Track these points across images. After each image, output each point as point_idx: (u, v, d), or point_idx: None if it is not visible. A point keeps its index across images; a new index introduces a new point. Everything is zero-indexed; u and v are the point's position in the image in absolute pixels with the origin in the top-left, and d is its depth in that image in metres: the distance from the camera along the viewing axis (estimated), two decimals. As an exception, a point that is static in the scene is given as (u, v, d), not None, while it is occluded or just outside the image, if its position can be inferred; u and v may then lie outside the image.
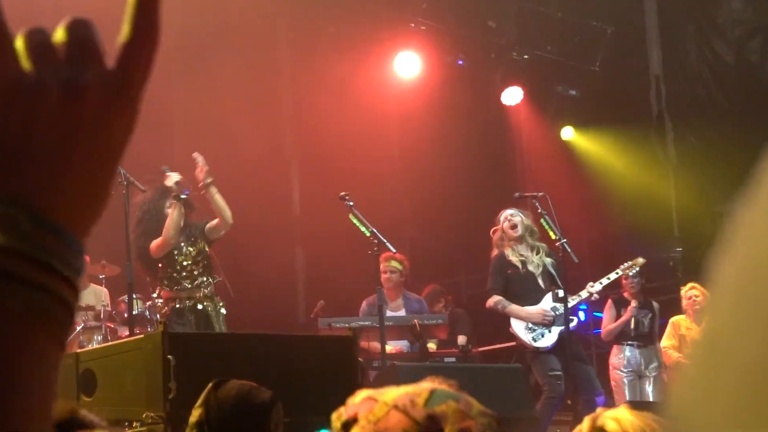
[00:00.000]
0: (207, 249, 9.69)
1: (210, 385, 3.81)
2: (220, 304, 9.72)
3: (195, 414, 3.73)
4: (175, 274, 9.54)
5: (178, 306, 9.46)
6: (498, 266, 10.15)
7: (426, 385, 2.46)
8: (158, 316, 9.73)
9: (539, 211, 9.96)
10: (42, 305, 0.93)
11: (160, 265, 9.52)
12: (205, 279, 9.64)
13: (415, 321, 10.30)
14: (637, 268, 11.31)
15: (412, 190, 15.60)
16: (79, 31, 0.97)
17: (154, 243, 9.37)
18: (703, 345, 0.59)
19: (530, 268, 10.01)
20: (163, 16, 0.95)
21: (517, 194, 10.42)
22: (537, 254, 10.09)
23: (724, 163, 15.02)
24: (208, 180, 9.37)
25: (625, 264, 11.06)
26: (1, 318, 0.91)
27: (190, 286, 9.54)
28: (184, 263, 9.57)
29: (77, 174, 0.95)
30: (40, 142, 0.94)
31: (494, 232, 10.33)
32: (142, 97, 0.98)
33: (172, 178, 9.36)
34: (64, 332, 0.95)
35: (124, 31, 0.97)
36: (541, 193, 10.15)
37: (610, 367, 12.18)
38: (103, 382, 5.27)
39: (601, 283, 10.47)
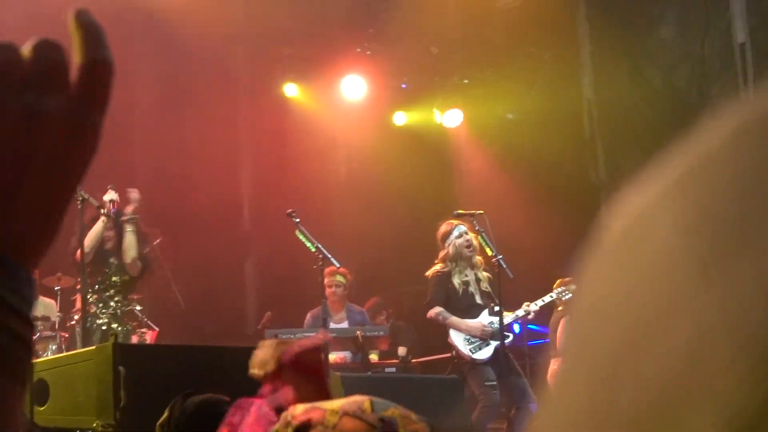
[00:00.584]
0: (130, 277, 9.71)
1: (180, 396, 3.82)
2: (129, 327, 9.70)
3: (161, 418, 3.77)
4: (97, 287, 9.55)
5: (89, 321, 9.42)
6: (439, 279, 10.18)
7: (360, 396, 2.48)
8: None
9: (477, 228, 10.04)
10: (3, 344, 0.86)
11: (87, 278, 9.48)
12: (119, 302, 9.63)
13: (359, 332, 10.36)
14: (570, 294, 11.34)
15: (357, 205, 15.61)
16: (46, 53, 0.89)
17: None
18: (549, 390, 0.60)
19: (470, 288, 10.08)
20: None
21: (456, 212, 10.46)
22: (475, 270, 10.16)
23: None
24: (129, 217, 9.41)
25: (559, 289, 11.11)
26: None
27: (103, 305, 9.55)
28: (107, 282, 9.59)
29: (28, 203, 0.88)
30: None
31: (445, 245, 10.27)
32: (102, 125, 0.91)
33: (109, 194, 9.37)
34: (23, 368, 0.88)
35: (76, 59, 0.90)
36: (479, 211, 10.23)
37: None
38: (56, 391, 5.24)
39: (536, 305, 10.57)
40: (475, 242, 10.13)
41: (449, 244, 10.20)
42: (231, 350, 5.77)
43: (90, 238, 9.35)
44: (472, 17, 15.81)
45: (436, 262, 10.38)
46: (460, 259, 10.10)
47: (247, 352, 6.49)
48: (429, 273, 10.30)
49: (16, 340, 0.86)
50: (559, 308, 12.05)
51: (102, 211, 9.39)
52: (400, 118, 15.48)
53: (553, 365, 12.05)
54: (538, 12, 15.81)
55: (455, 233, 10.18)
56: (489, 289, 10.08)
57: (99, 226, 9.44)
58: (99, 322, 9.52)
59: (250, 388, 5.81)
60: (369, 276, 14.40)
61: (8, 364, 0.86)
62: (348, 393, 7.38)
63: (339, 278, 10.94)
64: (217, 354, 5.91)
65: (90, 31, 0.90)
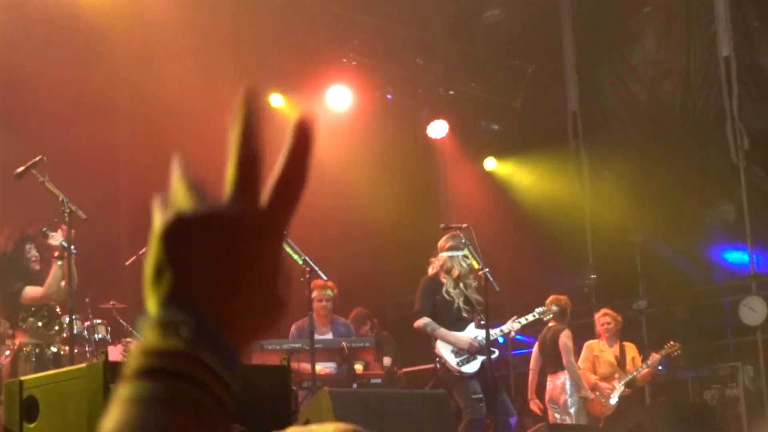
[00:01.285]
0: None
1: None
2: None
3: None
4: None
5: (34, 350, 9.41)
6: (428, 289, 10.16)
7: (341, 425, 2.44)
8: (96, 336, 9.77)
9: (463, 241, 10.03)
10: (208, 405, 1.02)
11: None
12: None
13: (344, 344, 10.37)
14: (551, 315, 11.43)
15: (342, 217, 15.60)
16: (247, 170, 1.13)
17: (33, 291, 9.37)
18: None
19: (459, 301, 10.07)
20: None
21: (442, 225, 10.44)
22: (466, 285, 10.14)
23: (635, 195, 15.25)
24: (57, 256, 9.35)
25: (541, 309, 11.20)
26: (174, 413, 1.00)
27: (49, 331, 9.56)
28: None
29: (235, 291, 1.08)
30: (213, 264, 1.06)
31: (445, 257, 10.25)
32: (288, 227, 1.12)
33: (56, 238, 9.28)
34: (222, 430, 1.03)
35: (277, 169, 1.13)
36: (464, 225, 10.23)
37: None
38: (46, 409, 5.19)
39: (519, 323, 10.61)
40: (465, 266, 10.14)
41: (451, 257, 10.16)
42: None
43: (54, 284, 9.40)
44: (456, 29, 15.85)
45: (431, 268, 10.32)
46: (458, 276, 10.08)
47: (242, 372, 6.49)
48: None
49: (217, 403, 1.03)
50: (550, 324, 12.06)
51: (58, 255, 9.39)
52: (386, 129, 15.47)
53: (552, 381, 12.06)
54: (523, 25, 15.85)
55: (461, 253, 10.14)
56: (476, 301, 10.06)
57: (58, 271, 9.43)
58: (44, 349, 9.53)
59: (238, 407, 5.82)
60: (352, 287, 14.40)
61: (209, 426, 1.02)
62: (336, 408, 7.38)
63: (328, 292, 10.92)
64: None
65: (297, 150, 1.12)
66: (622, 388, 12.22)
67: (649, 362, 12.44)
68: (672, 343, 12.69)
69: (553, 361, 12.07)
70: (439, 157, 16.40)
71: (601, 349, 12.53)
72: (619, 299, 15.62)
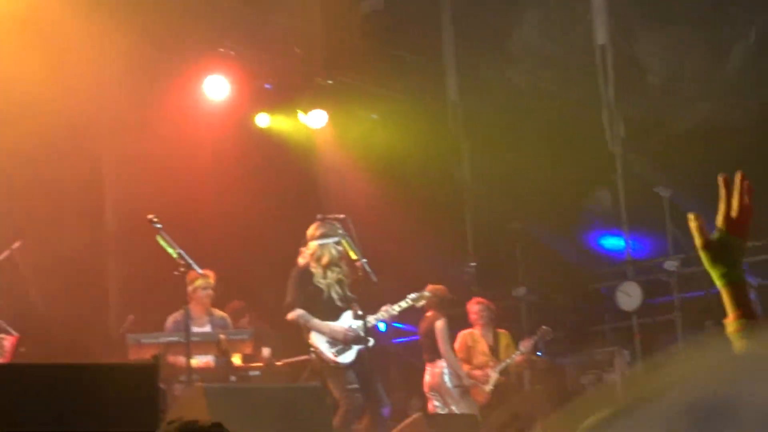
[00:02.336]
0: None
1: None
2: None
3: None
4: None
5: None
6: (299, 280, 10.10)
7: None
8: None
9: (340, 232, 9.98)
10: None
11: None
12: None
13: (222, 336, 10.28)
14: (424, 301, 11.35)
15: (221, 208, 15.47)
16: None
17: None
18: None
19: (332, 290, 10.01)
20: None
21: (319, 216, 10.37)
22: (338, 273, 10.09)
23: (515, 183, 15.36)
24: None
25: (413, 295, 11.06)
26: None
27: None
28: None
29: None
30: None
31: (315, 245, 10.18)
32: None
33: None
34: None
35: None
36: (342, 216, 10.18)
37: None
38: None
39: (394, 310, 10.54)
40: (334, 253, 10.08)
41: (322, 245, 10.08)
42: (82, 368, 5.65)
43: None
44: (335, 19, 15.79)
45: (301, 258, 10.26)
46: (328, 263, 10.02)
47: (102, 370, 6.37)
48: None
49: None
50: (428, 313, 12.09)
51: None
52: (264, 120, 15.37)
53: (431, 370, 12.10)
54: (402, 14, 15.86)
55: (331, 240, 10.06)
56: (349, 292, 10.04)
57: None
58: None
59: (104, 407, 5.71)
60: (230, 278, 14.32)
61: None
62: (210, 404, 7.29)
63: (210, 281, 10.82)
64: (68, 372, 5.77)
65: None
66: (497, 375, 12.29)
67: (521, 348, 12.53)
68: (544, 327, 12.84)
69: (429, 350, 12.10)
70: (319, 147, 16.36)
71: (474, 339, 12.57)
72: (499, 287, 15.76)
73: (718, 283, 2.54)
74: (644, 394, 1.41)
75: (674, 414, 1.37)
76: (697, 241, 2.60)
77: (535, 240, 15.99)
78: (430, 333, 11.99)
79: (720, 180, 2.56)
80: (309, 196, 15.84)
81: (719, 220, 2.55)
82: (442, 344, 11.92)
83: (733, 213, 2.53)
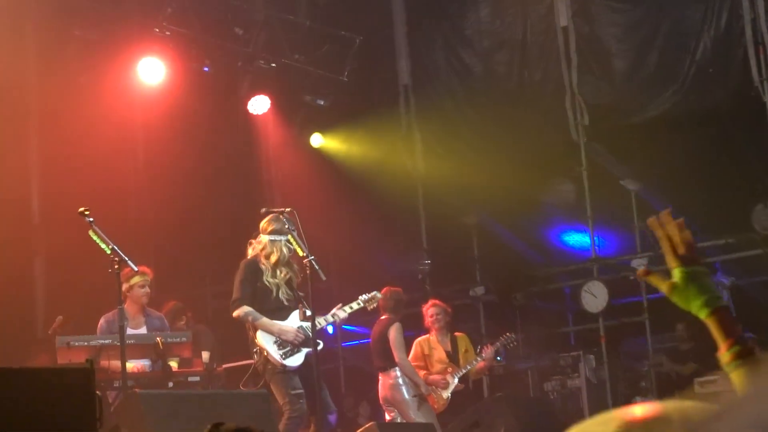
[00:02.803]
0: None
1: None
2: None
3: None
4: None
5: None
6: (248, 274, 10.10)
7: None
8: None
9: (287, 227, 10.07)
10: None
11: None
12: None
13: (159, 339, 10.27)
14: (376, 303, 11.34)
15: (157, 198, 15.48)
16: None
17: None
18: None
19: (281, 289, 10.11)
20: None
21: (263, 210, 10.45)
22: (287, 271, 10.19)
23: (470, 174, 15.40)
24: None
25: (365, 296, 11.02)
26: None
27: None
28: None
29: None
30: None
31: (266, 240, 10.24)
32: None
33: None
34: None
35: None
36: (288, 209, 10.25)
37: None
38: None
39: (344, 311, 10.61)
40: (285, 251, 10.17)
41: (273, 242, 10.15)
42: (13, 372, 5.70)
43: None
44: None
45: (250, 249, 10.31)
46: (277, 262, 10.10)
47: (34, 374, 6.42)
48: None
49: None
50: (383, 317, 12.13)
51: None
52: (203, 104, 15.35)
53: (384, 381, 12.11)
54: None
55: (283, 238, 10.13)
56: (297, 292, 10.14)
57: None
58: None
59: (37, 413, 5.78)
60: (170, 273, 14.33)
61: None
62: (147, 412, 7.35)
63: (147, 278, 10.85)
64: (6, 376, 5.85)
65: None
66: (455, 382, 12.29)
67: (483, 355, 12.51)
68: (508, 334, 12.79)
69: (382, 357, 12.09)
70: (261, 135, 16.41)
71: (431, 346, 12.52)
72: (455, 285, 15.88)
73: (702, 315, 2.66)
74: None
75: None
76: (662, 290, 2.74)
77: (493, 236, 16.10)
78: (383, 339, 12.01)
79: (651, 223, 2.77)
80: (252, 187, 15.92)
81: (669, 260, 2.74)
82: (397, 352, 11.95)
83: (680, 250, 2.71)
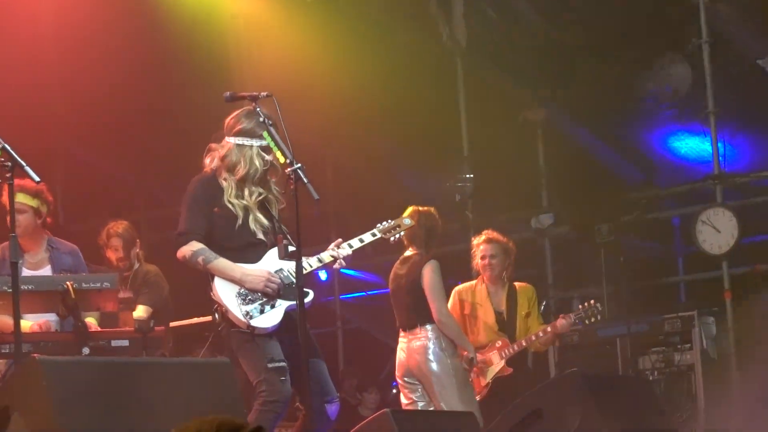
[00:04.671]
0: None
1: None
2: None
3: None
4: None
5: None
6: (201, 196, 9.84)
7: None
8: None
9: (261, 119, 9.82)
10: None
11: None
12: None
13: (69, 284, 10.17)
14: (402, 232, 10.98)
15: (71, 85, 15.49)
16: None
17: None
18: None
19: (251, 216, 9.87)
20: None
21: (227, 94, 10.17)
22: (264, 190, 9.95)
23: (534, 49, 15.43)
24: None
25: (386, 223, 10.72)
26: None
27: None
28: None
29: None
30: None
31: (230, 142, 9.99)
32: None
33: None
34: None
35: None
36: (264, 93, 10.01)
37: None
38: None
39: (350, 246, 10.31)
40: (258, 161, 9.89)
41: (241, 147, 9.88)
42: None
43: None
44: None
45: (207, 160, 10.09)
46: (245, 177, 9.85)
47: None
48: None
49: None
50: (406, 253, 12.01)
51: None
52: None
53: (408, 342, 11.99)
54: None
55: (257, 142, 9.82)
56: (278, 221, 9.92)
57: None
58: None
59: None
60: (92, 192, 14.35)
61: None
62: (52, 387, 7.26)
63: (25, 199, 10.75)
64: None
65: None
66: (501, 363, 12.37)
67: (549, 328, 12.57)
68: (592, 302, 12.75)
69: (411, 310, 12.02)
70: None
71: (477, 301, 12.58)
72: (509, 212, 15.81)
73: None
74: None
75: None
76: None
77: (566, 140, 16.05)
78: (412, 283, 11.94)
79: None
80: (212, 65, 15.77)
81: None
82: (436, 302, 11.86)
83: None
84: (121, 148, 15.72)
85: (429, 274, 11.86)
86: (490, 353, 12.31)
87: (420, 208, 11.93)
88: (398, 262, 12.22)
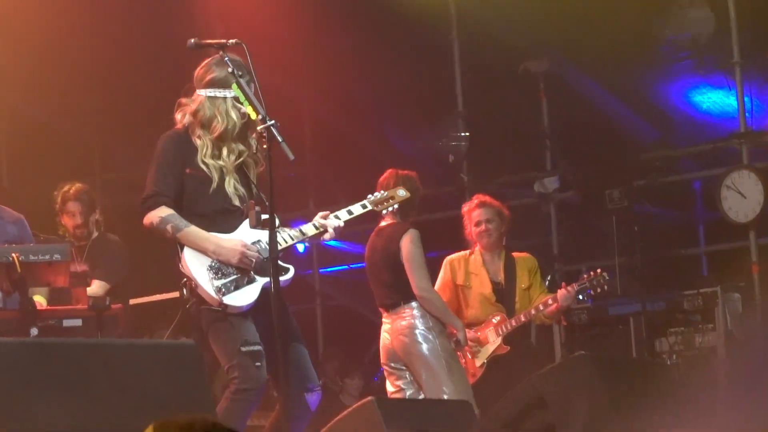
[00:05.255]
0: None
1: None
2: None
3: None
4: None
5: None
6: (171, 156, 9.78)
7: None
8: None
9: (230, 70, 9.78)
10: None
11: None
12: None
13: (14, 256, 10.17)
14: (396, 205, 10.92)
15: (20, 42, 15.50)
16: None
17: None
18: None
19: (227, 180, 9.81)
20: None
21: (192, 41, 10.11)
22: (237, 152, 9.89)
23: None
24: None
25: (378, 194, 10.68)
26: None
27: None
28: None
29: None
30: None
31: (189, 101, 9.92)
32: None
33: None
34: None
35: None
36: (233, 40, 9.97)
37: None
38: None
39: (338, 218, 10.26)
40: (235, 116, 9.81)
41: (213, 100, 9.81)
42: None
43: None
44: None
45: (178, 115, 10.02)
46: (223, 134, 9.78)
47: None
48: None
49: None
50: (383, 223, 11.95)
51: None
52: None
53: (392, 323, 11.97)
54: None
55: (230, 93, 9.75)
56: (255, 187, 9.87)
57: None
58: None
59: None
60: (27, 156, 14.35)
61: None
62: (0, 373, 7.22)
63: None
64: None
65: None
66: (498, 342, 12.39)
67: (550, 300, 12.53)
68: (599, 271, 12.71)
69: (390, 287, 12.02)
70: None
71: (471, 271, 12.62)
72: (510, 174, 15.82)
73: None
74: None
75: None
76: None
77: (573, 94, 16.06)
78: (390, 257, 11.91)
79: None
80: (178, 9, 15.75)
81: None
82: (416, 276, 11.81)
83: None
84: (74, 102, 15.67)
85: (408, 246, 11.81)
86: (486, 330, 12.30)
87: (399, 171, 11.87)
88: (373, 234, 12.19)
